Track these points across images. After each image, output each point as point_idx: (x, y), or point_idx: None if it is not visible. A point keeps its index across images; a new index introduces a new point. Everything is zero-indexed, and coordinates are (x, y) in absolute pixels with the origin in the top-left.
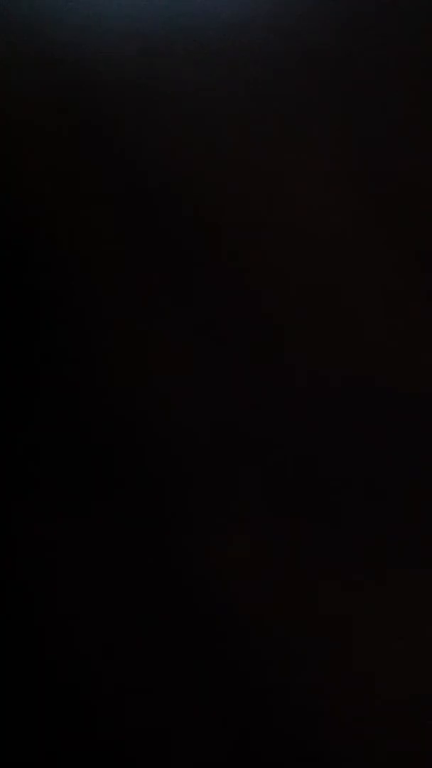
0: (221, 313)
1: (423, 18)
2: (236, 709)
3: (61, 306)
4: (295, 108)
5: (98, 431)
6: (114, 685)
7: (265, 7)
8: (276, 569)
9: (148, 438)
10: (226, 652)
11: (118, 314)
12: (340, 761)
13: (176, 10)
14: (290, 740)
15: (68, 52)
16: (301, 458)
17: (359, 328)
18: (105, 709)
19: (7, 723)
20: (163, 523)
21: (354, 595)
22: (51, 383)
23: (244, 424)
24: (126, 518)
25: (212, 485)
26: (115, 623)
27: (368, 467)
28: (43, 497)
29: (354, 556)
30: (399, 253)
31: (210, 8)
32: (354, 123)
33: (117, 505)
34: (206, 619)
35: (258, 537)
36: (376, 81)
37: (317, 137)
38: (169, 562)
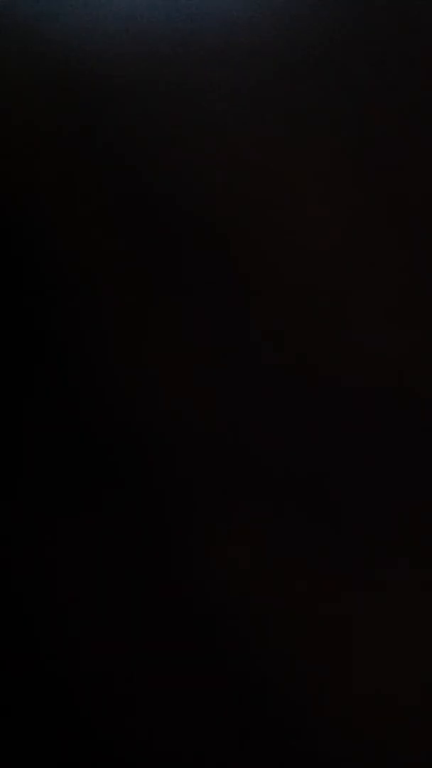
0: (222, 314)
1: (423, 18)
2: (236, 710)
3: (60, 305)
4: (296, 108)
5: (97, 432)
6: (113, 684)
7: (266, 7)
8: (276, 569)
9: (148, 439)
10: (226, 652)
11: (117, 314)
12: (340, 761)
13: (176, 10)
14: (290, 740)
15: (68, 52)
16: (302, 459)
17: (363, 331)
18: (104, 707)
19: (4, 723)
20: (163, 523)
21: (354, 595)
22: (49, 383)
23: (244, 425)
24: (125, 518)
25: (212, 485)
26: (114, 623)
27: (369, 468)
28: (41, 499)
29: (354, 556)
30: (399, 252)
31: (210, 8)
32: (355, 123)
33: (116, 505)
34: (206, 618)
35: (258, 537)
36: (377, 82)
37: (318, 137)
38: (169, 563)
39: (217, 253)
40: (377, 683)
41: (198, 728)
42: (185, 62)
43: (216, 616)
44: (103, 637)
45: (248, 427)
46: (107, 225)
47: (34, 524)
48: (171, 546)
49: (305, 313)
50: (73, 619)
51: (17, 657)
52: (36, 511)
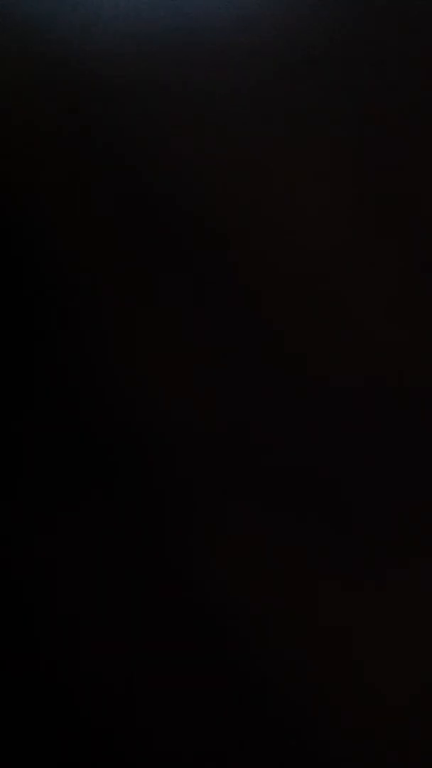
0: (222, 314)
1: (423, 18)
2: (236, 710)
3: (60, 305)
4: (296, 108)
5: (98, 432)
6: (113, 684)
7: (266, 7)
8: (276, 569)
9: (148, 439)
10: (226, 652)
11: (117, 314)
12: (340, 761)
13: (176, 9)
14: (290, 741)
15: (68, 52)
16: (302, 459)
17: (363, 331)
18: (104, 707)
19: (5, 723)
20: (163, 523)
21: (354, 595)
22: (49, 383)
23: (244, 425)
24: (126, 518)
25: (212, 485)
26: (114, 623)
27: (369, 468)
28: (41, 498)
29: (354, 556)
30: (399, 252)
31: (210, 8)
32: (355, 123)
33: (117, 506)
34: (206, 618)
35: (258, 537)
36: (377, 82)
37: (318, 137)
38: (169, 563)
39: (217, 253)
40: (377, 683)
41: (198, 728)
42: (185, 62)
43: (216, 616)
44: (103, 637)
45: (248, 427)
46: (107, 225)
47: (34, 524)
48: (171, 546)
49: (305, 313)
50: (73, 618)
51: (17, 657)
52: (36, 511)
